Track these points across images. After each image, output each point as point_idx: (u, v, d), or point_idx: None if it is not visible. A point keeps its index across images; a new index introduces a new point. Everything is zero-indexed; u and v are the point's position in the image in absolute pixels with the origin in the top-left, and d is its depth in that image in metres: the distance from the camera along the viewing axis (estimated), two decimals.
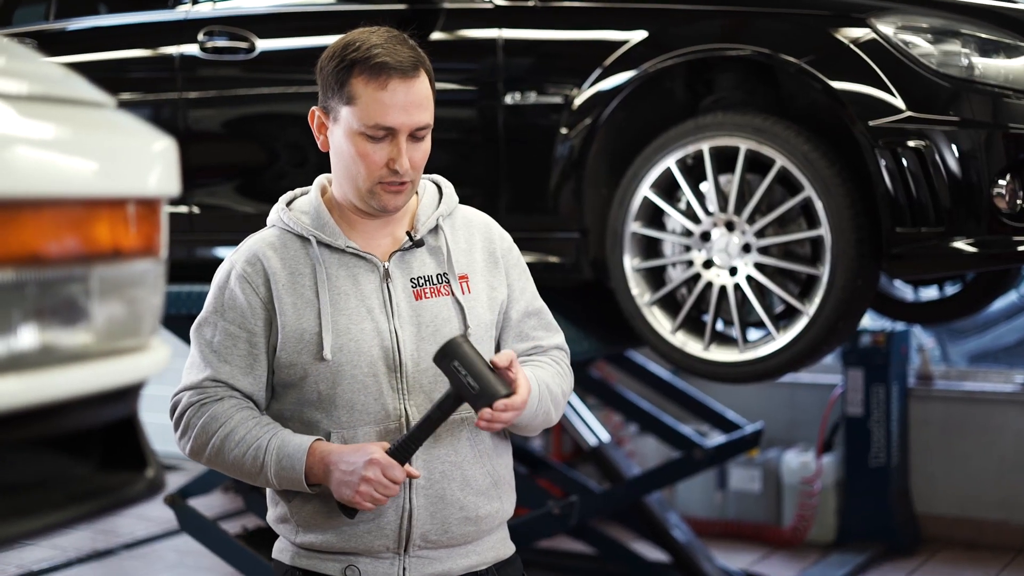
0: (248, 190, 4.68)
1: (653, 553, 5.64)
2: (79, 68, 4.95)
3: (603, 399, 5.89)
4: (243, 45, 4.46)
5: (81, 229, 1.36)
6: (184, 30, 4.59)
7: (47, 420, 1.35)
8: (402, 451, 2.36)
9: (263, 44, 4.45)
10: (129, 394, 1.49)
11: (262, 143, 4.69)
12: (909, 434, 6.39)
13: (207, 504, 6.26)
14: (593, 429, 5.55)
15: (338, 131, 2.45)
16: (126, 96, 4.74)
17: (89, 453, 1.48)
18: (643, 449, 6.76)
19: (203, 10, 4.60)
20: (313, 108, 2.51)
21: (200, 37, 4.53)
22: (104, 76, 4.76)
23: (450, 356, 2.32)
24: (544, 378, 2.52)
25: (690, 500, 6.66)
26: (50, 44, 4.88)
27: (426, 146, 2.46)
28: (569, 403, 5.47)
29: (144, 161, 1.49)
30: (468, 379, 2.30)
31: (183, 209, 4.63)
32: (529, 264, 2.67)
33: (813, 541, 6.36)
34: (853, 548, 6.17)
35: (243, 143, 4.75)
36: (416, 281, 2.49)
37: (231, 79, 4.55)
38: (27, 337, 1.30)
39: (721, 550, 6.12)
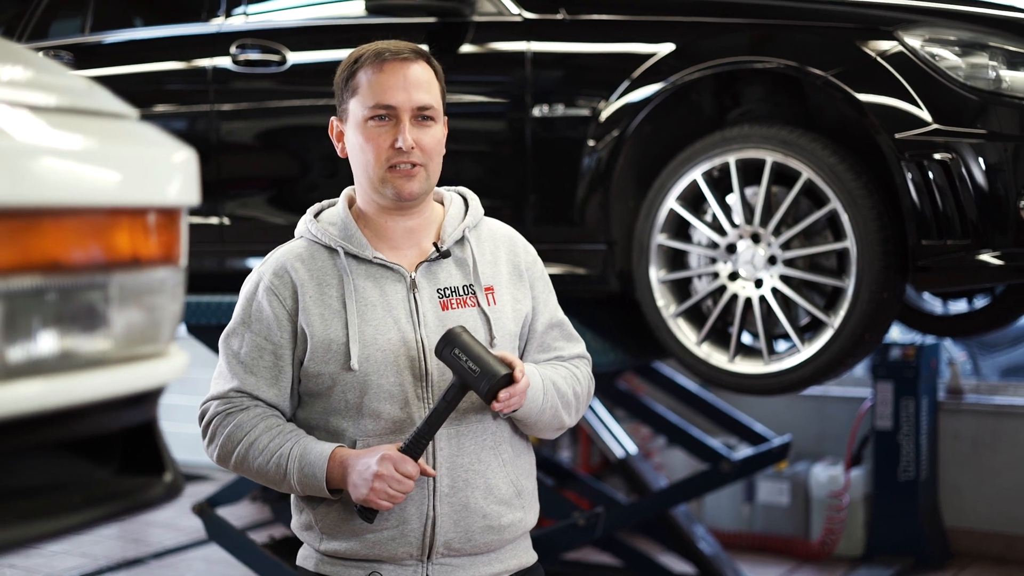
0: (279, 202, 4.72)
1: (680, 566, 5.63)
2: (114, 80, 5.01)
3: (631, 411, 5.88)
4: (275, 58, 4.50)
5: (102, 237, 1.39)
6: (217, 43, 4.63)
7: (66, 424, 1.38)
8: (413, 447, 2.39)
9: (294, 57, 4.48)
10: (148, 400, 1.51)
11: (293, 155, 4.73)
12: (939, 448, 6.36)
13: (236, 514, 6.30)
14: (620, 441, 5.55)
15: (350, 129, 2.53)
16: (160, 108, 4.79)
17: (109, 457, 1.51)
18: (672, 461, 6.75)
19: (236, 23, 4.65)
20: (332, 118, 2.57)
21: (233, 50, 4.57)
22: (138, 88, 4.82)
23: (451, 345, 2.36)
24: (551, 375, 2.55)
25: (718, 513, 6.64)
26: (86, 57, 4.93)
27: (436, 132, 2.51)
28: (596, 415, 5.50)
29: (165, 171, 1.52)
30: (468, 363, 2.35)
31: (214, 220, 4.67)
32: (556, 276, 2.70)
33: (841, 555, 6.32)
34: (881, 562, 6.13)
35: (275, 155, 4.78)
36: (442, 292, 2.52)
37: (263, 91, 4.59)
38: (47, 343, 1.33)
39: (749, 563, 6.11)
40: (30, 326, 1.32)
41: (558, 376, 2.57)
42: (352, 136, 2.52)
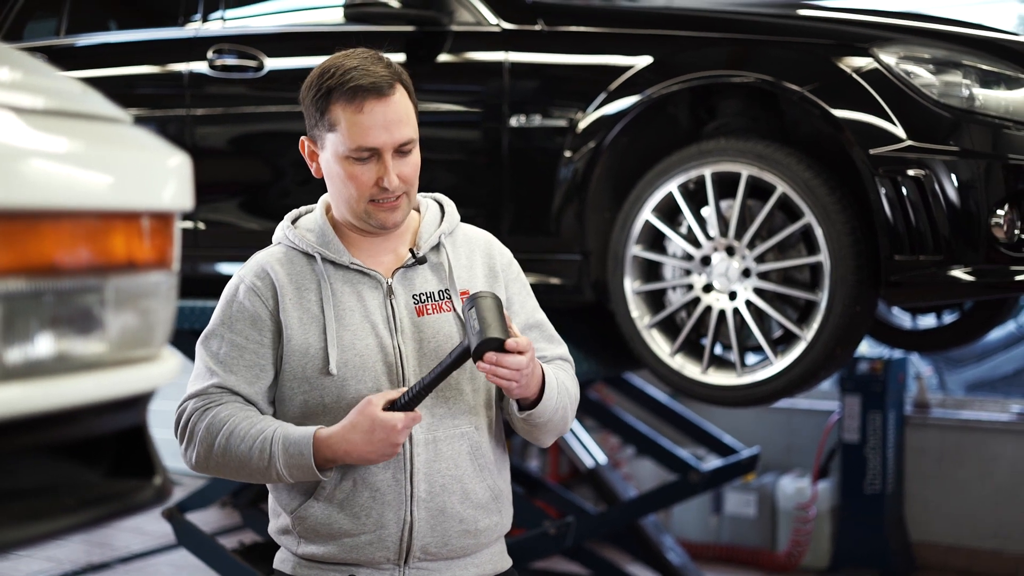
0: (254, 207, 4.71)
1: None
2: (89, 83, 5.00)
3: (601, 421, 5.90)
4: (252, 63, 4.50)
5: (97, 241, 1.40)
6: (194, 47, 4.63)
7: (60, 426, 1.39)
8: (410, 401, 2.39)
9: (272, 63, 4.49)
10: (139, 403, 1.52)
11: (269, 161, 4.73)
12: (905, 461, 6.41)
13: (205, 519, 6.28)
14: (590, 451, 5.57)
15: (326, 157, 2.51)
16: (135, 111, 4.78)
17: (99, 460, 1.51)
18: (640, 472, 6.78)
19: (213, 28, 4.65)
20: (302, 137, 2.57)
21: (209, 55, 4.57)
22: (113, 92, 4.80)
23: (470, 303, 2.36)
24: (560, 376, 2.56)
25: (685, 524, 6.67)
26: (60, 59, 4.91)
27: (414, 159, 2.51)
28: None
29: (159, 176, 1.52)
30: (474, 322, 2.34)
31: (189, 225, 4.66)
32: (530, 285, 2.71)
33: (807, 567, 6.37)
34: (847, 574, 6.18)
35: (250, 160, 4.78)
36: (418, 298, 2.53)
37: (239, 96, 4.59)
38: (43, 345, 1.34)
39: (716, 574, 6.14)
40: (27, 328, 1.32)
41: (562, 375, 2.58)
42: (331, 165, 2.50)
